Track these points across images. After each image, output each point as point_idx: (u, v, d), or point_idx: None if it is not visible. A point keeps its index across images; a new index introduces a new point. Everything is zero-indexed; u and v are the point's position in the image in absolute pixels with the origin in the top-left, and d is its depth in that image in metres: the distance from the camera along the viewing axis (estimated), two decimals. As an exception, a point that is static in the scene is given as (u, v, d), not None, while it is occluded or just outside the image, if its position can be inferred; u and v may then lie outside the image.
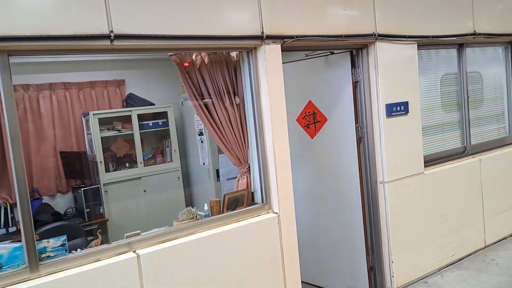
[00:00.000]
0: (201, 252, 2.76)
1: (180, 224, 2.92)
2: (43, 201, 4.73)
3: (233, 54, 3.17)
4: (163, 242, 2.69)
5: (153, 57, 2.74)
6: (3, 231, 4.29)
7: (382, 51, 3.63)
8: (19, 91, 4.69)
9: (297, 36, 3.07)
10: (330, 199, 3.98)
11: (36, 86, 4.82)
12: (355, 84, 3.70)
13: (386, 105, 3.67)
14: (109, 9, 2.35)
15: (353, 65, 3.68)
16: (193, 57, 3.05)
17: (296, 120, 4.08)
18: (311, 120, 3.99)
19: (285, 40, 3.02)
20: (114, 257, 2.51)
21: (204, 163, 5.14)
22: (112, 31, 2.34)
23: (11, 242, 2.53)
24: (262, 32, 2.93)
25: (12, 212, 4.21)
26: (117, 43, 2.38)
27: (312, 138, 4.02)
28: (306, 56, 3.92)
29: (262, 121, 3.07)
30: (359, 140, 3.76)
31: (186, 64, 3.06)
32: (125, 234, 2.79)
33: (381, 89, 3.64)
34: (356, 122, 3.72)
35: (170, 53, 2.90)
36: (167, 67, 3.07)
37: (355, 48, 3.64)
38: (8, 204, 4.25)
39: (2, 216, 4.32)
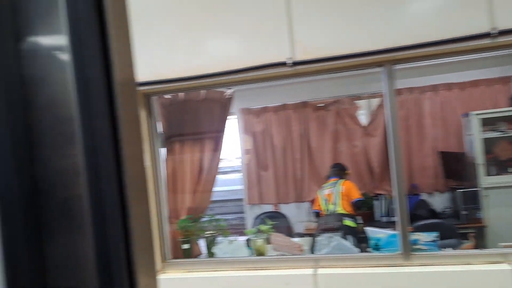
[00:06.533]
0: None
1: None
2: (421, 197, 4.99)
3: None
4: (548, 262, 2.33)
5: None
6: (384, 219, 4.87)
7: None
8: (404, 94, 5.13)
9: None
10: None
11: (420, 88, 5.11)
12: None
13: None
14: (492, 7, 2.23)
15: None
16: None
17: None
18: None
19: None
20: (486, 265, 2.39)
21: None
22: (494, 28, 2.22)
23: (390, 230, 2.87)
24: None
25: (391, 203, 4.67)
26: (501, 39, 2.24)
27: None
28: None
29: None
30: None
31: None
32: (501, 244, 2.60)
33: None
34: None
35: None
36: None
37: None
38: (390, 196, 4.76)
39: (385, 206, 4.90)
